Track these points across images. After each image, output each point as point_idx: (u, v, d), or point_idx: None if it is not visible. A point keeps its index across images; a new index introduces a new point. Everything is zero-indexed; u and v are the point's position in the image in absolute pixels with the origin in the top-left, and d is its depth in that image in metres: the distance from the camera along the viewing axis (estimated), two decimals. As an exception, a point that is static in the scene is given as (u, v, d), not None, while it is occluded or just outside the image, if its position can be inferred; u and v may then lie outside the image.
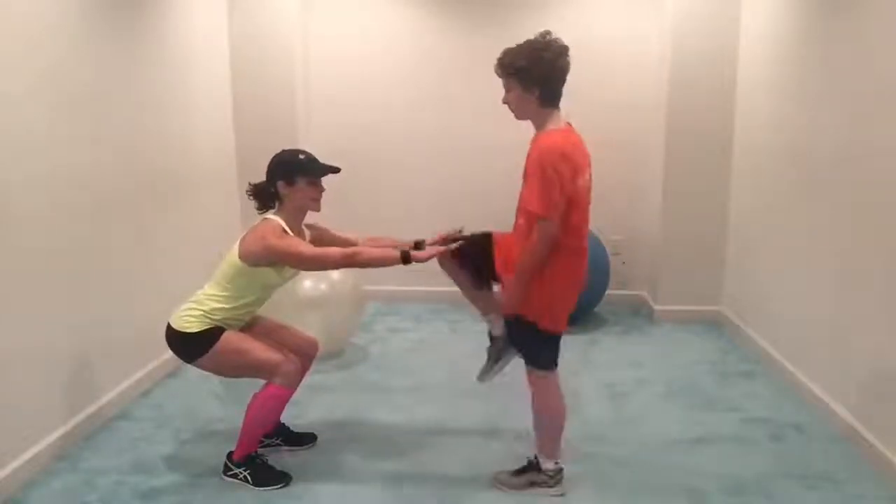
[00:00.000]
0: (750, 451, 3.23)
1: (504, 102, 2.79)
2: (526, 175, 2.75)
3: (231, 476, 2.94)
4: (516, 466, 2.97)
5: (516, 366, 2.99)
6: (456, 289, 5.82)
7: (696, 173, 4.94)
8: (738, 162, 4.81)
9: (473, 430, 3.43)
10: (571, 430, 3.31)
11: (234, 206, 4.84)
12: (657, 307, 5.11)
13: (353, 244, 3.09)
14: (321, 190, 2.98)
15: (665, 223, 5.02)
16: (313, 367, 3.25)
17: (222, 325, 2.88)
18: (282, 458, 3.12)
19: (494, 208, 5.36)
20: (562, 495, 2.87)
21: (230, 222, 4.87)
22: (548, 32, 2.71)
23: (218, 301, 2.88)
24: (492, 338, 3.02)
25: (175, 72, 4.18)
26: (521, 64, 2.65)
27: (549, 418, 2.87)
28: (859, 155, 3.25)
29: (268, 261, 2.83)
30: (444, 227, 2.91)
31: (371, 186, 5.43)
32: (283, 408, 2.99)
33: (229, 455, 2.97)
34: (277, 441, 3.22)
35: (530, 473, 2.91)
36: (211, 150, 4.70)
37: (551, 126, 2.72)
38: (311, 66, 5.31)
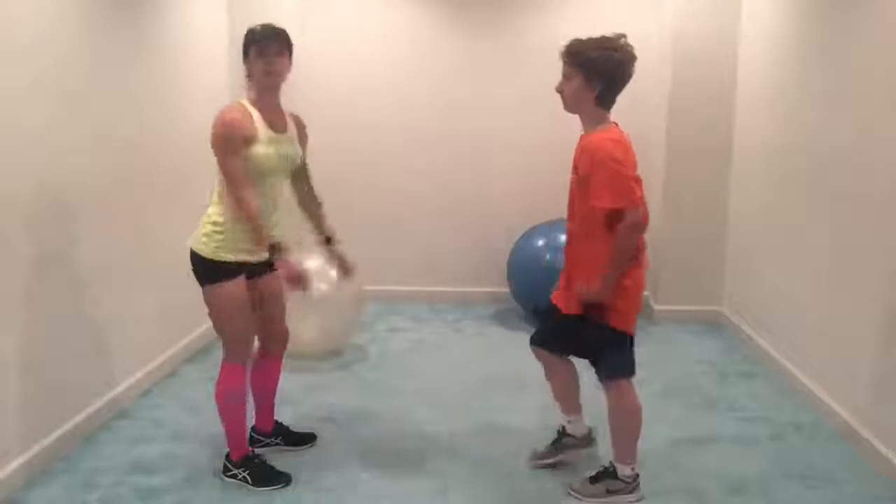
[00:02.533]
0: (750, 450, 3.23)
1: (558, 91, 2.71)
2: (584, 176, 2.66)
3: (230, 476, 2.94)
4: (590, 473, 2.92)
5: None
6: (455, 289, 5.83)
7: (696, 173, 4.94)
8: (738, 162, 4.81)
9: (473, 430, 3.43)
10: (571, 430, 3.32)
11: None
12: (657, 307, 5.11)
13: (307, 193, 3.08)
14: (269, 60, 2.77)
15: (665, 223, 5.02)
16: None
17: (230, 258, 2.78)
18: (282, 457, 3.11)
19: (494, 208, 5.40)
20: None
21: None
22: (623, 35, 2.64)
23: (220, 214, 2.81)
24: (564, 434, 3.02)
25: (175, 71, 4.18)
26: (592, 55, 2.58)
27: (627, 424, 2.81)
28: (859, 155, 3.25)
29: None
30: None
31: (370, 186, 5.42)
32: (241, 386, 2.91)
33: (227, 455, 2.97)
34: (277, 441, 3.22)
35: (606, 480, 2.84)
36: (211, 150, 4.68)
37: (601, 126, 2.67)
38: (311, 65, 5.30)
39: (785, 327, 4.06)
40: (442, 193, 5.42)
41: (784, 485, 2.94)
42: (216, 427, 3.19)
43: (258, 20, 4.90)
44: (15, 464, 2.86)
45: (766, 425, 3.47)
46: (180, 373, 4.09)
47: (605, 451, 3.00)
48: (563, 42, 2.69)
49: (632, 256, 2.72)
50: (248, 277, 2.90)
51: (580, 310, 2.73)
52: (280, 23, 2.94)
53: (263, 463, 2.99)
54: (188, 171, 4.33)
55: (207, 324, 4.45)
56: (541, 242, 4.84)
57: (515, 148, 5.31)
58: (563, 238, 4.77)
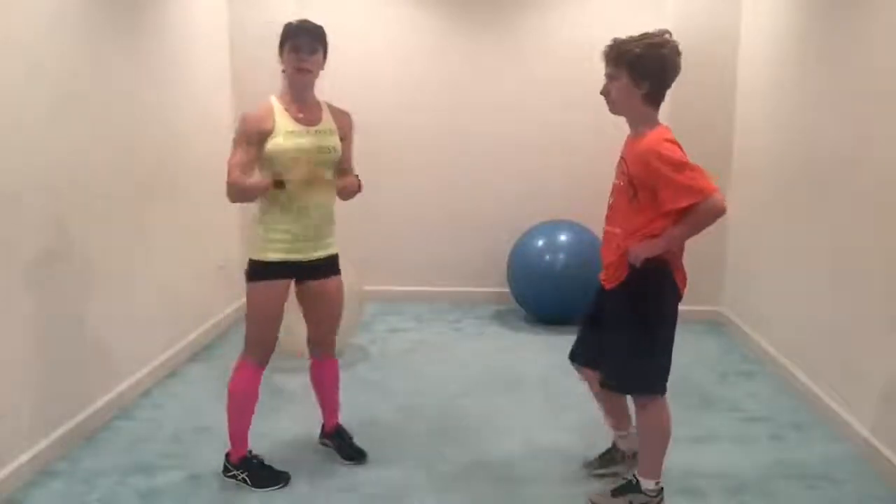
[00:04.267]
0: (750, 451, 3.23)
1: (602, 93, 2.61)
2: (638, 181, 2.56)
3: (230, 477, 2.93)
4: (613, 486, 2.82)
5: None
6: (456, 289, 5.82)
7: (697, 173, 4.93)
8: (738, 162, 4.81)
9: (473, 431, 3.43)
10: (572, 431, 3.32)
11: (234, 205, 4.84)
12: (657, 307, 5.11)
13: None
14: (301, 58, 2.74)
15: (665, 223, 5.01)
16: (309, 364, 3.24)
17: (270, 257, 2.79)
18: (281, 457, 3.11)
19: (494, 208, 5.40)
20: None
21: (230, 221, 4.87)
22: (667, 31, 2.55)
23: (260, 211, 2.83)
24: (614, 448, 3.00)
25: (175, 70, 4.18)
26: (636, 52, 2.48)
27: (656, 439, 2.69)
28: (859, 155, 3.25)
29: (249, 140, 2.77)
30: None
31: (370, 186, 5.37)
32: (251, 386, 2.89)
33: (227, 456, 2.96)
34: (329, 444, 3.17)
35: (630, 494, 2.73)
36: (211, 149, 4.69)
37: (651, 127, 2.57)
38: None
39: (785, 327, 4.06)
40: (442, 193, 5.41)
41: (784, 485, 2.94)
42: (216, 427, 3.20)
43: (258, 18, 4.95)
44: (15, 464, 2.87)
45: (766, 425, 3.47)
46: (181, 373, 4.10)
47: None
48: (559, 42, 2.65)
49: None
50: (300, 280, 2.90)
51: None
52: (281, 21, 2.93)
53: (262, 463, 2.98)
54: (188, 170, 4.34)
55: (208, 323, 4.47)
56: (541, 242, 4.84)
57: (516, 148, 5.31)
58: (562, 238, 4.85)
